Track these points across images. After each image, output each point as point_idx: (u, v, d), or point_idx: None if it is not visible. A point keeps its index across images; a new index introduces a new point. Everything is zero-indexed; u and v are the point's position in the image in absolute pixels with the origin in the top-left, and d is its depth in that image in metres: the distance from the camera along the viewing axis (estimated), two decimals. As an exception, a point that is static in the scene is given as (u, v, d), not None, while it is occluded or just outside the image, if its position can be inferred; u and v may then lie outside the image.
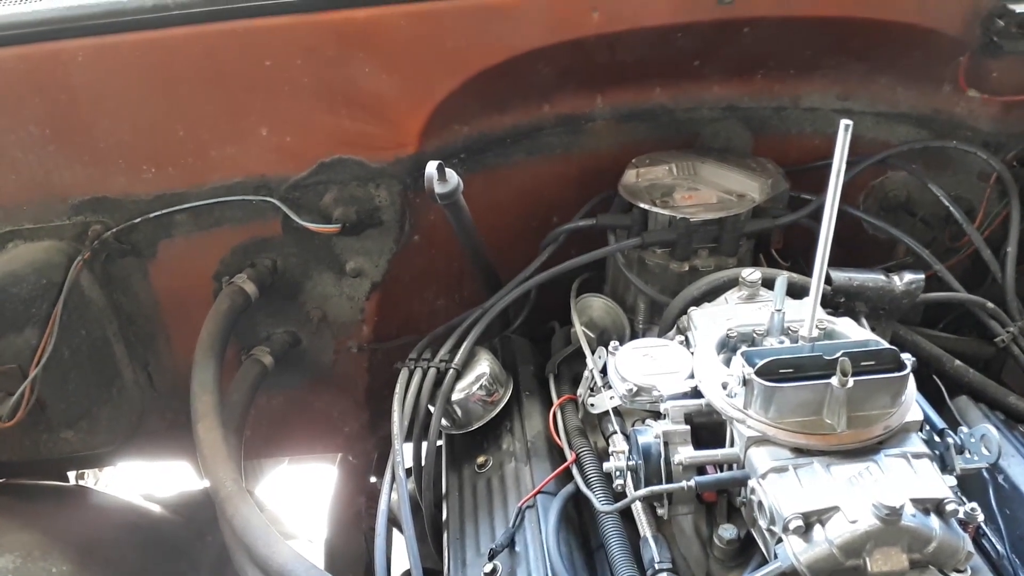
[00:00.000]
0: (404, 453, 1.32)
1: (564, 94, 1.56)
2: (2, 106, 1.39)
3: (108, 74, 1.36)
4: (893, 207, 1.70)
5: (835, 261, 1.44)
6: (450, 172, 1.32)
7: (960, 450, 1.07)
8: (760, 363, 1.03)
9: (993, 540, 1.17)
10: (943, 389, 1.38)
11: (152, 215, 1.50)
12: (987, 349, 1.50)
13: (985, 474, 1.23)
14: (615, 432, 1.25)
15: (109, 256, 1.54)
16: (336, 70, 1.39)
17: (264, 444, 1.92)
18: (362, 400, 1.82)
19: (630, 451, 1.14)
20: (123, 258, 1.55)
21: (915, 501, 0.94)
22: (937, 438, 1.09)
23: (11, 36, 1.32)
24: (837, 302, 1.37)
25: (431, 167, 1.30)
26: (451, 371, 1.41)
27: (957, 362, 1.42)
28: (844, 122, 0.94)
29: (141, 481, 2.45)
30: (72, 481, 2.26)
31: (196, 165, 1.46)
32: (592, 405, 1.32)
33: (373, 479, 2.07)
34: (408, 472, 1.42)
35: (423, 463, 1.40)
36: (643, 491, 1.07)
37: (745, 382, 1.04)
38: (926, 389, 1.39)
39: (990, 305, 1.45)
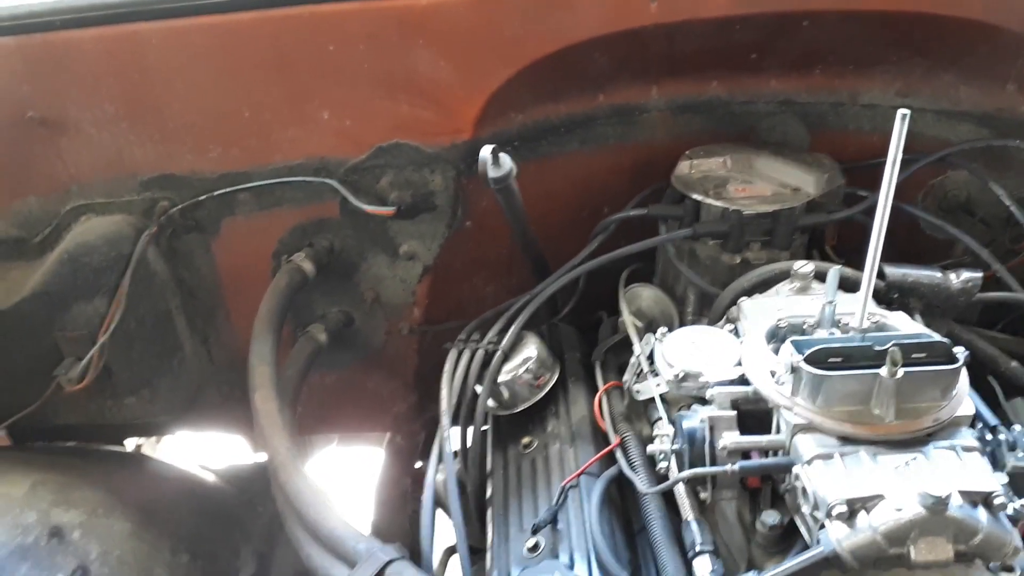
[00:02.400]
0: (451, 431, 1.35)
1: (619, 85, 1.57)
2: (80, 85, 1.46)
3: (179, 56, 1.42)
4: (952, 207, 1.68)
5: (889, 259, 1.43)
6: (504, 157, 1.35)
7: (1012, 447, 1.06)
8: (809, 351, 1.03)
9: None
10: (998, 390, 1.36)
11: (216, 193, 1.55)
12: (1045, 352, 1.47)
13: (1038, 475, 1.20)
14: (660, 419, 1.26)
15: (175, 232, 1.61)
16: (396, 56, 1.42)
17: (315, 421, 1.97)
18: (411, 382, 1.86)
19: (675, 435, 1.15)
20: (188, 234, 1.62)
21: (963, 493, 0.93)
22: (989, 435, 1.08)
23: (90, 18, 1.39)
24: (891, 298, 1.35)
25: (485, 151, 1.32)
26: (499, 353, 1.43)
27: (1014, 363, 1.39)
28: (901, 111, 0.93)
29: (196, 453, 2.53)
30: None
31: (259, 146, 1.51)
32: (638, 392, 1.33)
33: (419, 464, 2.11)
34: (455, 454, 1.46)
35: (469, 443, 1.42)
36: (687, 472, 1.08)
37: (793, 370, 1.04)
38: (981, 390, 1.37)
39: (1049, 306, 1.42)
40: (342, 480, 2.63)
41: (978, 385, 1.36)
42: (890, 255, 1.50)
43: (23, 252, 1.60)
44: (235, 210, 1.59)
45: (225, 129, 1.50)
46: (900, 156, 0.97)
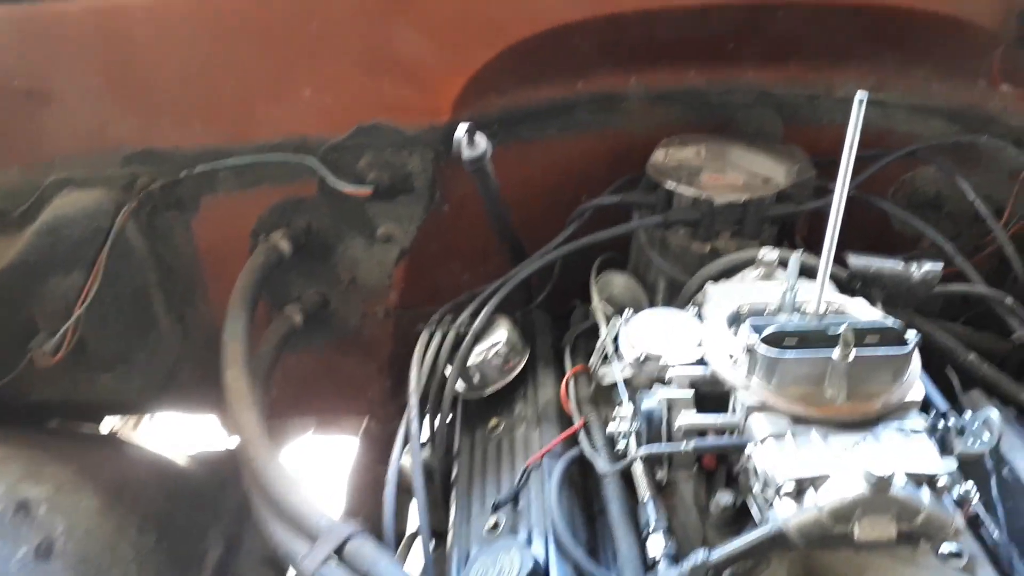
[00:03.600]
0: (419, 414, 1.37)
1: (599, 72, 1.59)
2: (66, 57, 1.47)
3: (164, 27, 1.43)
4: (922, 202, 1.70)
5: (859, 252, 1.46)
6: (479, 137, 1.36)
7: (960, 432, 1.08)
8: (765, 332, 1.05)
9: (992, 529, 1.17)
10: (955, 381, 1.38)
11: (197, 170, 1.57)
12: (1004, 345, 1.49)
13: (989, 464, 1.23)
14: (624, 401, 1.28)
15: (155, 208, 1.62)
16: (379, 33, 1.43)
17: (290, 403, 1.98)
18: (386, 366, 1.87)
19: (634, 415, 1.17)
20: (167, 211, 1.63)
21: (907, 474, 0.96)
22: (939, 419, 1.10)
23: (77, -11, 1.40)
24: (853, 287, 1.38)
25: (461, 130, 1.34)
26: (469, 335, 1.45)
27: (972, 355, 1.42)
28: (859, 95, 0.95)
29: (171, 437, 2.54)
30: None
31: (241, 122, 1.52)
32: (603, 375, 1.35)
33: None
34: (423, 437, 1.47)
35: (437, 424, 1.44)
36: (643, 450, 1.11)
37: (749, 351, 1.07)
38: (939, 381, 1.40)
39: (1009, 300, 1.44)
40: (317, 468, 2.64)
41: (936, 376, 1.39)
42: (861, 247, 1.53)
43: (4, 225, 1.61)
44: (215, 187, 1.60)
45: (207, 105, 1.51)
46: (857, 140, 0.99)
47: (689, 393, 1.12)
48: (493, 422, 1.45)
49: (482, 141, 1.36)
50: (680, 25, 1.46)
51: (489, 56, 1.44)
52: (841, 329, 1.01)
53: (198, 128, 1.52)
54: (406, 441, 1.31)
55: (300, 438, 2.65)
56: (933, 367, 1.42)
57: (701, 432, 1.11)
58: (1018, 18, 1.40)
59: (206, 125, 1.52)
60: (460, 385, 1.48)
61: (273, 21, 1.41)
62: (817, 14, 1.44)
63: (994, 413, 1.07)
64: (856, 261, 1.36)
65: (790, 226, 1.61)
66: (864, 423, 1.03)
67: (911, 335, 1.04)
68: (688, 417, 1.10)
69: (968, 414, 1.10)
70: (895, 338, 1.05)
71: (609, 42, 1.49)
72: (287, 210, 1.64)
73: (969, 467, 1.13)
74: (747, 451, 1.04)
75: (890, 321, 1.09)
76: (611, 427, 1.19)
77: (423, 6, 1.40)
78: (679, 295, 1.47)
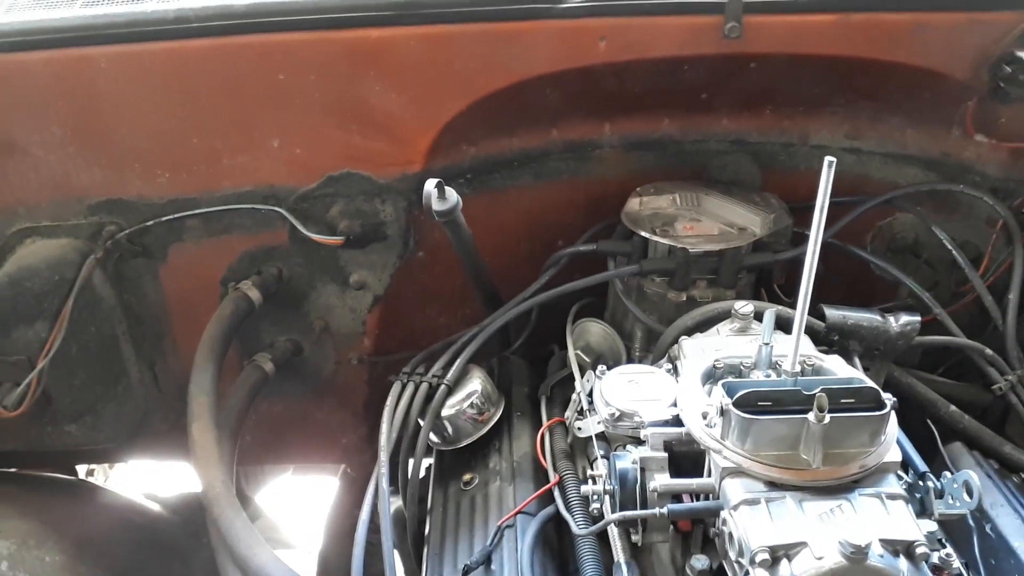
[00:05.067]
0: (389, 466, 1.34)
1: (572, 120, 1.59)
2: (28, 108, 1.45)
3: (129, 81, 1.42)
4: (900, 248, 1.70)
5: (839, 300, 1.45)
6: (450, 190, 1.35)
7: (940, 494, 1.06)
8: (738, 394, 1.03)
9: (975, 590, 1.15)
10: (936, 434, 1.37)
11: (164, 219, 1.54)
12: (985, 396, 1.48)
13: (971, 522, 1.21)
14: (599, 457, 1.25)
15: (122, 257, 1.59)
16: (347, 87, 1.42)
17: (264, 451, 1.94)
18: (361, 413, 1.84)
19: (608, 475, 1.14)
20: (135, 259, 1.60)
21: (884, 542, 0.93)
22: (919, 481, 1.08)
23: (39, 41, 1.39)
24: (831, 340, 1.36)
25: (430, 184, 1.32)
26: (442, 387, 1.42)
27: (952, 407, 1.40)
28: (828, 159, 0.95)
29: (147, 480, 2.49)
30: (82, 476, 2.31)
31: (208, 172, 1.50)
32: (579, 429, 1.33)
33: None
34: (396, 490, 1.44)
35: (409, 477, 1.41)
36: (616, 515, 1.08)
37: (723, 412, 1.04)
38: (920, 434, 1.38)
39: (988, 352, 1.43)
40: (295, 509, 2.60)
41: (917, 429, 1.37)
42: (840, 295, 1.52)
43: (-33, 276, 1.58)
44: (183, 236, 1.58)
45: (174, 155, 1.49)
46: (827, 203, 0.98)
47: (663, 455, 1.10)
48: (467, 476, 1.41)
49: (453, 194, 1.35)
50: (651, 77, 1.46)
51: (459, 108, 1.43)
52: (816, 391, 0.99)
53: (165, 178, 1.50)
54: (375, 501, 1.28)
55: (279, 477, 2.61)
56: (914, 419, 1.40)
57: (676, 495, 1.08)
58: (990, 70, 1.40)
59: (173, 175, 1.50)
60: (433, 438, 1.45)
61: (240, 73, 1.40)
62: (790, 66, 1.44)
63: (973, 475, 1.05)
64: (833, 314, 1.34)
65: (767, 273, 1.59)
66: (840, 488, 1.00)
67: (887, 397, 1.02)
68: (662, 480, 1.07)
69: (947, 476, 1.08)
70: (871, 399, 1.03)
71: (580, 93, 1.48)
72: (257, 258, 1.61)
73: (951, 523, 1.11)
74: (722, 516, 1.02)
75: (867, 381, 1.07)
76: (585, 488, 1.16)
77: (391, 59, 1.39)
78: (656, 343, 1.45)
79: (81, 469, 2.25)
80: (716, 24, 1.36)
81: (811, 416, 0.98)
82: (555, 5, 1.36)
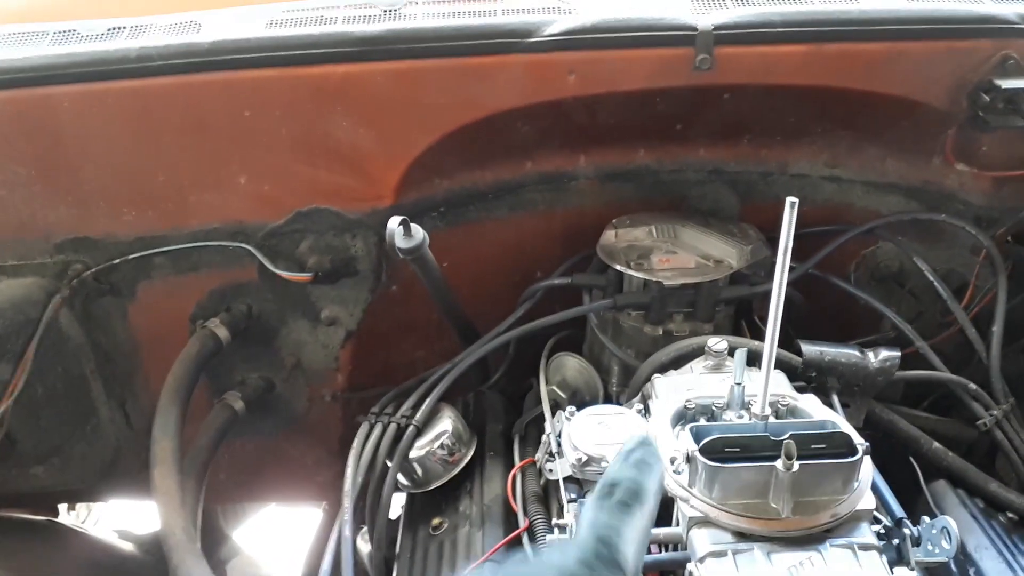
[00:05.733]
0: (358, 509, 1.30)
1: (546, 152, 1.56)
2: (-10, 146, 1.43)
3: (93, 120, 1.39)
4: (884, 278, 1.66)
5: (823, 332, 1.41)
6: (415, 227, 1.32)
7: (917, 542, 1.02)
8: (705, 440, 1.00)
9: (959, 640, 1.10)
10: (919, 472, 1.33)
11: (131, 256, 1.52)
12: (969, 432, 1.44)
13: (954, 566, 1.16)
14: (570, 500, 1.22)
15: (89, 295, 1.56)
16: (314, 123, 1.40)
17: (239, 489, 1.90)
18: (336, 450, 1.80)
19: (576, 523, 1.10)
20: (102, 298, 1.57)
21: (855, 598, 0.90)
22: (894, 530, 1.04)
23: (0, 80, 1.36)
24: (809, 376, 1.33)
25: (393, 223, 1.30)
26: (411, 427, 1.39)
27: (936, 444, 1.36)
28: (790, 200, 0.92)
29: (127, 517, 2.45)
30: (64, 513, 2.27)
31: (175, 210, 1.48)
32: (550, 471, 1.29)
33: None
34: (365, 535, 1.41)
35: (376, 522, 1.37)
36: (580, 567, 1.04)
37: (690, 459, 1.01)
38: (902, 472, 1.34)
39: (972, 386, 1.39)
40: (279, 542, 2.55)
41: (899, 467, 1.33)
42: (825, 326, 1.49)
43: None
44: (151, 274, 1.55)
45: (140, 192, 1.47)
46: (791, 244, 0.95)
47: (629, 503, 1.06)
48: (436, 521, 1.37)
49: (418, 231, 1.32)
50: (623, 110, 1.43)
51: (429, 142, 1.41)
52: (784, 437, 0.95)
53: (131, 216, 1.47)
54: (338, 549, 1.24)
55: (262, 511, 2.57)
56: (896, 457, 1.36)
57: (643, 545, 1.04)
58: (968, 98, 1.37)
59: (139, 212, 1.47)
60: (403, 480, 1.41)
61: (205, 110, 1.38)
62: (765, 96, 1.41)
63: (951, 521, 1.01)
64: (810, 350, 1.31)
65: (746, 305, 1.56)
66: (811, 538, 0.96)
67: (859, 442, 0.98)
68: (628, 530, 1.03)
69: (925, 521, 1.04)
70: (843, 444, 0.99)
71: (553, 126, 1.46)
72: (227, 295, 1.58)
73: (934, 568, 1.07)
74: (688, 568, 0.98)
75: (840, 425, 1.04)
76: (551, 537, 1.12)
77: (357, 95, 1.37)
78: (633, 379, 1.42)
79: (63, 507, 2.21)
80: (687, 56, 1.34)
81: (779, 464, 0.95)
82: (523, 39, 1.34)
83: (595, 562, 0.50)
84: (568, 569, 0.49)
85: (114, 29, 1.41)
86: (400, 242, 1.30)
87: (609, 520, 0.53)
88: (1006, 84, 1.33)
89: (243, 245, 1.50)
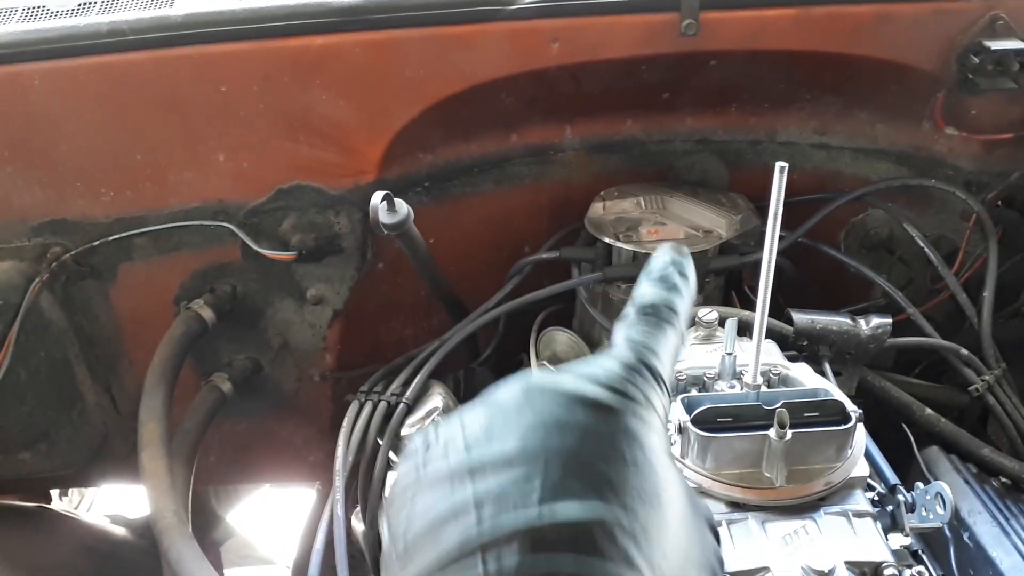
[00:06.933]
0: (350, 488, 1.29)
1: (532, 124, 1.53)
2: (-40, 127, 1.39)
3: (65, 98, 1.36)
4: (874, 245, 1.65)
5: (815, 300, 1.40)
6: (399, 202, 1.30)
7: (911, 508, 1.02)
8: (696, 411, 0.98)
9: (952, 604, 1.11)
10: (912, 439, 1.32)
11: (111, 238, 1.48)
12: (961, 398, 1.44)
13: (947, 531, 1.16)
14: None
15: (70, 278, 1.53)
16: (292, 97, 1.37)
17: (231, 471, 1.89)
18: (326, 429, 1.79)
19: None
20: (83, 280, 1.54)
21: (850, 564, 0.89)
22: (889, 494, 1.04)
23: (-33, 60, 1.32)
24: (800, 345, 1.32)
25: (376, 198, 1.27)
26: (402, 405, 1.37)
27: (928, 411, 1.36)
28: (779, 165, 0.90)
29: (120, 501, 2.44)
30: (56, 499, 2.26)
31: (154, 189, 1.45)
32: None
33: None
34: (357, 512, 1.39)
35: (368, 500, 1.36)
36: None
37: (682, 430, 1.00)
38: (895, 439, 1.34)
39: (964, 352, 1.39)
40: (274, 523, 2.55)
41: (892, 434, 1.33)
42: (816, 294, 1.47)
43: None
44: (132, 255, 1.52)
45: (117, 172, 1.44)
46: (780, 210, 0.93)
47: (621, 476, 1.05)
48: (428, 498, 1.36)
49: (403, 206, 1.30)
50: (609, 78, 1.40)
51: (411, 115, 1.38)
52: (777, 406, 0.94)
53: (109, 196, 1.44)
54: (330, 528, 1.23)
55: (256, 492, 2.56)
56: (889, 424, 1.36)
57: (636, 517, 1.03)
58: (957, 61, 1.35)
59: (117, 193, 1.44)
60: (395, 458, 1.40)
61: (180, 86, 1.34)
62: (752, 62, 1.39)
63: (946, 487, 1.01)
64: (801, 319, 1.30)
65: (736, 276, 1.55)
66: (805, 507, 0.96)
67: (852, 409, 0.97)
68: (620, 502, 1.03)
69: (919, 487, 1.04)
70: (836, 412, 0.98)
71: (537, 96, 1.43)
72: (210, 275, 1.56)
73: (928, 533, 1.07)
74: (683, 540, 0.97)
75: (832, 393, 1.03)
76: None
77: (336, 68, 1.33)
78: (624, 353, 1.40)
79: (56, 492, 2.20)
80: (672, 22, 1.31)
81: (772, 433, 0.94)
82: (504, 7, 1.31)
83: (637, 365, 0.52)
84: (612, 372, 0.50)
85: (85, 4, 1.37)
86: (384, 217, 1.28)
87: (643, 339, 0.54)
88: (995, 45, 1.31)
89: (225, 224, 1.47)
